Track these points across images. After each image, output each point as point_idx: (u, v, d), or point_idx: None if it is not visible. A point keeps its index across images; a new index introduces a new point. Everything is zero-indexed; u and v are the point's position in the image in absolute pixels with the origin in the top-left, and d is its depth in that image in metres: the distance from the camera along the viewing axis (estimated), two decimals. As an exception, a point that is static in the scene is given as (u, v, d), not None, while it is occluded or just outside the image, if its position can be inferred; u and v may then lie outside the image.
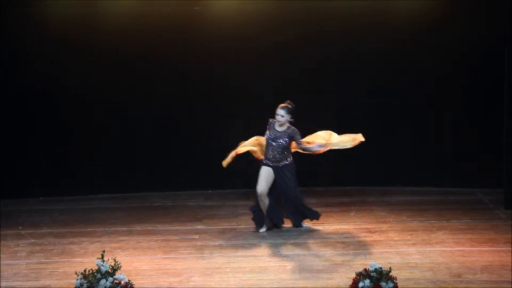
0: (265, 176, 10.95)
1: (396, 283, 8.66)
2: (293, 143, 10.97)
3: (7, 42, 12.48)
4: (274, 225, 11.12)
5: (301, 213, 11.13)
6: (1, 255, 10.22)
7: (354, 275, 8.77)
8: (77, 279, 8.84)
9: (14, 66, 12.61)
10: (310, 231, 11.01)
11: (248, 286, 9.17)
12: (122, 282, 8.79)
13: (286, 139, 10.88)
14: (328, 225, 11.27)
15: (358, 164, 12.95)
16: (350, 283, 8.77)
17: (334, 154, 12.94)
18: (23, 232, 11.24)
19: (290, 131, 10.89)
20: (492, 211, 11.78)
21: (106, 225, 11.50)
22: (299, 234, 10.92)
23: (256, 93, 12.87)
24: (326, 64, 12.80)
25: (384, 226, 11.13)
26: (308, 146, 10.94)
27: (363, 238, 10.69)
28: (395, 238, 10.64)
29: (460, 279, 9.20)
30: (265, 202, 10.96)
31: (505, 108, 11.79)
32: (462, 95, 12.68)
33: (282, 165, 10.92)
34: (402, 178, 12.94)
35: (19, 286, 9.30)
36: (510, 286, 9.00)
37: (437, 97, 12.72)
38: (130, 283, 8.88)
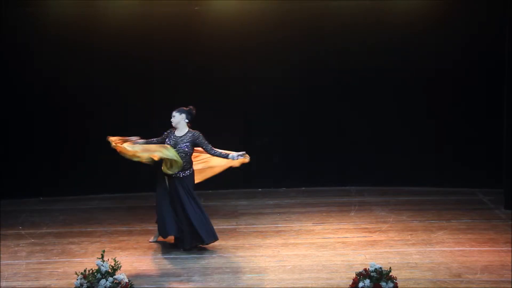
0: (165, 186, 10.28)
1: (396, 283, 8.67)
2: (200, 149, 10.26)
3: (7, 42, 12.47)
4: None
5: (195, 234, 10.19)
6: (1, 255, 10.22)
7: (354, 275, 8.78)
8: (77, 279, 8.85)
9: (14, 66, 12.60)
10: (309, 231, 11.01)
11: (248, 286, 9.17)
12: (122, 282, 8.79)
13: (188, 143, 10.11)
14: (328, 225, 11.27)
15: (357, 164, 12.95)
16: (350, 283, 8.78)
17: (334, 154, 12.98)
18: (23, 232, 11.23)
19: (191, 134, 10.15)
20: (492, 211, 11.77)
21: (106, 225, 11.49)
22: (299, 234, 10.91)
23: (256, 93, 12.87)
24: (326, 64, 12.78)
25: (384, 226, 11.12)
26: (223, 153, 10.16)
27: (363, 238, 10.68)
28: (395, 238, 10.64)
29: (460, 279, 9.20)
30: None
31: (505, 108, 11.78)
32: (462, 95, 12.67)
33: (183, 176, 10.19)
34: (402, 178, 12.93)
35: (19, 286, 9.30)
36: (510, 286, 9.00)
37: (437, 97, 12.71)
38: (130, 283, 8.88)
